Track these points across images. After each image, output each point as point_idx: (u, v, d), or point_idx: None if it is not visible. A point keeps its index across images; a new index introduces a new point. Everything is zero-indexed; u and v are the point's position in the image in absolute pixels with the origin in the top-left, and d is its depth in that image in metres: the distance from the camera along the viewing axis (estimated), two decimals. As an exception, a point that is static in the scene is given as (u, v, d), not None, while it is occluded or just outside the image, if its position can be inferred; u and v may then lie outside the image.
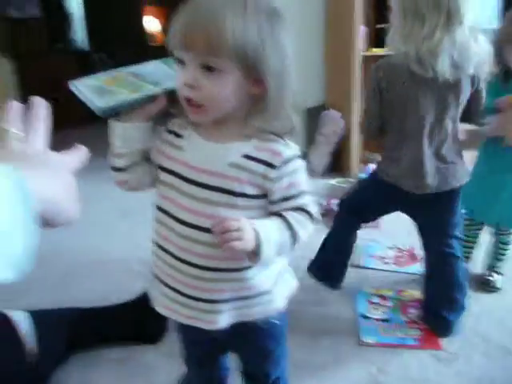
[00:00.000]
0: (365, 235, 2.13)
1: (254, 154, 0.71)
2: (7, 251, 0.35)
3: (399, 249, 2.03)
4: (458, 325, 1.47)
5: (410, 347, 1.44)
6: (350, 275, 1.82)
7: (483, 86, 1.33)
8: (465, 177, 1.40)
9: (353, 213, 1.57)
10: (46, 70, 4.20)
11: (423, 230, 1.50)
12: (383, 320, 1.55)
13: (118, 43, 6.62)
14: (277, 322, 0.85)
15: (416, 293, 1.65)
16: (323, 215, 2.38)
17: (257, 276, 0.78)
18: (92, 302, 1.52)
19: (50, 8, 4.64)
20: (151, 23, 6.94)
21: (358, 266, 1.89)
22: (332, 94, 3.11)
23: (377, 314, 1.58)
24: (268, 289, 0.80)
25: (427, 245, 1.50)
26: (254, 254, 0.70)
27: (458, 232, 1.46)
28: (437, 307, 1.47)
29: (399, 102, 1.32)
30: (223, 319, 0.79)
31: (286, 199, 0.74)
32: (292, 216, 0.74)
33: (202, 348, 0.93)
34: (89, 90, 0.70)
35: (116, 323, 1.45)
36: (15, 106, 0.50)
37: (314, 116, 3.21)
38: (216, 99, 0.68)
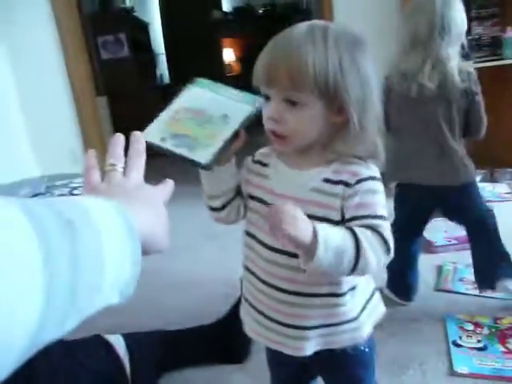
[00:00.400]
0: (453, 258, 2.04)
1: (333, 177, 0.72)
2: (118, 278, 0.38)
3: (493, 272, 1.90)
4: None
5: (508, 380, 1.32)
6: (440, 300, 1.74)
7: (479, 100, 1.48)
8: (468, 176, 1.52)
9: (397, 231, 1.63)
10: (134, 104, 4.52)
11: (461, 223, 1.68)
12: (478, 349, 1.45)
13: (198, 75, 6.95)
14: (366, 349, 0.83)
15: (515, 320, 1.53)
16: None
17: (347, 303, 0.77)
18: (177, 323, 1.58)
19: (136, 48, 5.00)
20: (227, 54, 7.23)
21: (448, 291, 1.79)
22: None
23: (471, 342, 1.48)
24: (356, 316, 0.79)
25: (468, 233, 1.68)
26: (309, 255, 0.64)
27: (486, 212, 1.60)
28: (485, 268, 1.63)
29: (398, 106, 1.53)
30: (310, 346, 0.79)
31: (355, 218, 0.69)
32: (360, 230, 0.67)
33: (289, 372, 0.93)
34: (172, 145, 0.65)
35: (203, 345, 1.49)
36: (119, 139, 0.54)
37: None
38: (299, 131, 0.71)
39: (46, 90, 2.92)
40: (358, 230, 0.66)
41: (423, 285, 1.84)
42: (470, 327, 1.55)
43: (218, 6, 7.17)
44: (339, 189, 0.71)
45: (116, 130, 4.17)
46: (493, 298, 1.73)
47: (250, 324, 0.85)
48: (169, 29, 7.18)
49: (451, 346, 1.47)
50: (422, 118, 1.50)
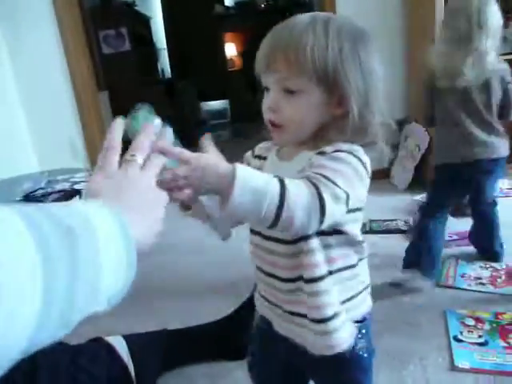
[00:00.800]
0: (455, 253, 2.04)
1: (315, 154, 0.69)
2: (112, 284, 0.39)
3: (494, 268, 1.90)
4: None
5: (510, 374, 1.32)
6: (441, 295, 1.74)
7: (511, 89, 1.70)
8: (500, 151, 1.74)
9: (427, 212, 1.90)
10: (136, 99, 4.51)
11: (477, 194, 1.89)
12: (479, 344, 1.45)
13: (199, 70, 6.94)
14: (364, 354, 0.79)
15: (516, 315, 1.53)
16: (408, 232, 2.30)
17: (328, 291, 0.72)
18: (179, 322, 1.59)
19: (138, 42, 4.99)
20: (229, 48, 7.20)
21: (450, 287, 1.79)
22: (416, 107, 3.02)
23: (472, 337, 1.48)
24: (333, 314, 0.73)
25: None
26: (226, 196, 0.57)
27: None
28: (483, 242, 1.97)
29: (443, 98, 1.75)
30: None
31: (311, 173, 0.61)
32: (292, 181, 0.59)
33: (279, 373, 0.89)
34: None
35: (206, 343, 1.49)
36: (150, 132, 0.54)
37: (395, 130, 3.14)
38: (295, 120, 0.70)
39: (46, 85, 2.91)
40: (287, 180, 0.58)
41: (425, 281, 1.84)
42: (471, 322, 1.55)
43: (220, 0, 7.14)
44: (313, 158, 0.67)
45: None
46: (494, 293, 1.73)
47: (262, 310, 0.84)
48: (171, 23, 7.16)
49: (452, 341, 1.47)
50: (466, 106, 1.71)
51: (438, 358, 1.41)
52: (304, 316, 0.75)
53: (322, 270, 0.71)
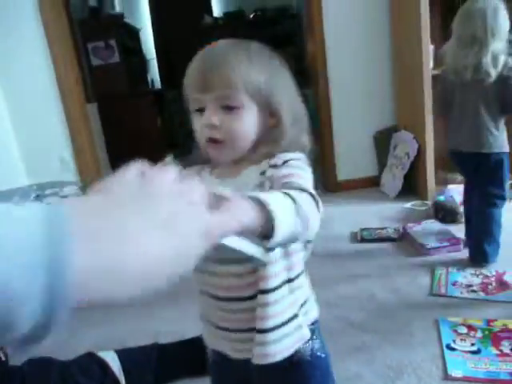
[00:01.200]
0: (446, 260, 2.05)
1: (266, 168, 0.72)
2: None
3: (485, 275, 1.91)
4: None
5: (503, 383, 1.32)
6: (433, 303, 1.74)
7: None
8: (499, 147, 1.87)
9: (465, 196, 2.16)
10: (125, 110, 4.50)
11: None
12: (472, 352, 1.45)
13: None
14: (322, 354, 0.79)
15: (510, 322, 1.53)
16: (398, 240, 2.31)
17: (284, 299, 0.73)
18: (172, 332, 1.57)
19: (127, 53, 4.99)
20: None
21: (442, 295, 1.79)
22: (403, 115, 3.05)
23: (465, 345, 1.48)
24: (295, 313, 0.75)
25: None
26: (263, 232, 0.50)
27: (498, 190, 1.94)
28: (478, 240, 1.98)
29: (452, 93, 1.94)
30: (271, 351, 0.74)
31: (282, 186, 0.63)
32: (288, 191, 0.58)
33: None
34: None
35: (197, 355, 1.46)
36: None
37: (385, 138, 3.15)
38: (236, 133, 0.72)
39: (34, 98, 2.90)
40: (286, 191, 0.57)
41: (417, 289, 1.84)
42: (464, 330, 1.55)
43: (209, 11, 7.17)
44: (269, 172, 0.70)
45: (107, 137, 4.11)
46: (486, 300, 1.74)
47: (205, 335, 0.83)
48: (160, 34, 7.17)
49: (445, 350, 1.47)
50: (467, 101, 1.88)
51: (432, 366, 1.40)
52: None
53: (279, 279, 0.72)
